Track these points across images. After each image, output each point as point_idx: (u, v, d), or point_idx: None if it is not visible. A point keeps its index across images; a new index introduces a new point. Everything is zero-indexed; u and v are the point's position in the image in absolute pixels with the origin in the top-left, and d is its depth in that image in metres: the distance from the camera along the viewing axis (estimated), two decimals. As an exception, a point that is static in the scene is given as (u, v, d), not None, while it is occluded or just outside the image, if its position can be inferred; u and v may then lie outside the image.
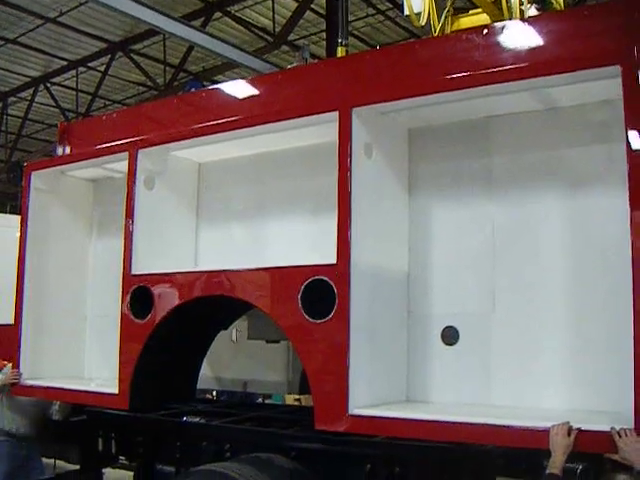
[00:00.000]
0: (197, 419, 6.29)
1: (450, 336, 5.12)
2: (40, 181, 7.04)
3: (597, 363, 4.58)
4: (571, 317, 4.71)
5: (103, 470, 7.58)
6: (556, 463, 3.97)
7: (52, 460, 8.50)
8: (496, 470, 5.14)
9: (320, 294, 4.92)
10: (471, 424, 4.42)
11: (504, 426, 4.30)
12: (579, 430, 4.04)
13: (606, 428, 3.97)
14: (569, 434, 4.02)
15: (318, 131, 5.42)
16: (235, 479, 5.08)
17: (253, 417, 6.47)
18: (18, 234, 7.11)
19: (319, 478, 5.33)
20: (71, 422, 7.41)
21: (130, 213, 6.10)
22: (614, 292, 4.47)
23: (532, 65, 4.52)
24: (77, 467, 7.59)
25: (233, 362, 7.41)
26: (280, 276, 5.29)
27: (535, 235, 4.91)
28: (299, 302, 5.04)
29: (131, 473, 7.00)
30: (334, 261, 4.91)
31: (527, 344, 4.86)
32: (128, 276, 6.04)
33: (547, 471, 4.00)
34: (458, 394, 5.06)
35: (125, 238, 6.11)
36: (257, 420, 6.37)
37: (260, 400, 9.73)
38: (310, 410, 5.09)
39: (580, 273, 4.71)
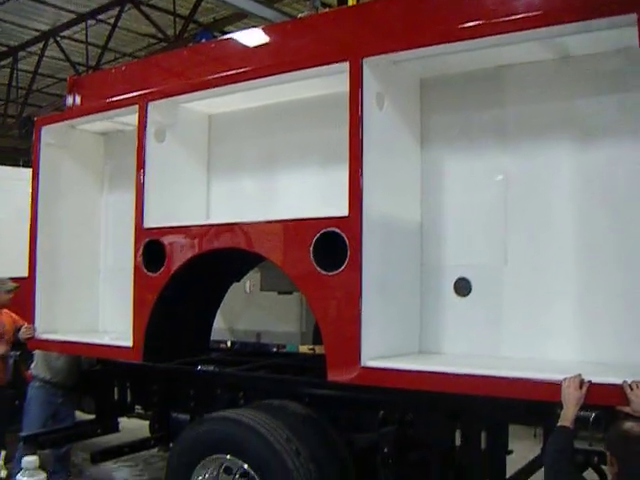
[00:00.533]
0: (211, 367, 6.36)
1: (463, 288, 5.11)
2: (50, 136, 7.01)
3: (609, 315, 4.57)
4: (583, 269, 4.68)
5: (119, 419, 7.69)
6: (568, 416, 3.98)
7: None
8: (509, 418, 5.19)
9: (332, 246, 4.90)
10: (484, 376, 4.41)
11: (516, 378, 4.30)
12: (591, 383, 4.04)
13: (618, 381, 3.96)
14: (581, 387, 4.02)
15: (329, 82, 5.35)
16: (249, 425, 5.15)
17: (267, 365, 6.56)
18: (28, 187, 7.12)
19: (332, 424, 5.39)
20: (86, 372, 7.50)
21: (141, 166, 6.08)
22: (626, 244, 4.47)
23: (545, 14, 4.42)
24: (93, 417, 7.71)
25: (246, 314, 7.45)
26: (292, 228, 5.28)
27: (547, 187, 4.86)
28: (311, 254, 5.03)
29: (146, 422, 7.12)
30: (346, 213, 4.88)
31: (539, 296, 4.85)
32: (140, 229, 6.04)
33: (559, 424, 4.00)
34: (470, 346, 5.07)
35: (136, 191, 6.10)
36: (270, 368, 6.46)
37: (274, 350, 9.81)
38: (323, 357, 5.12)
39: (592, 225, 4.67)
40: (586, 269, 4.68)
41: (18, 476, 3.24)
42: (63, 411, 7.58)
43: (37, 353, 7.47)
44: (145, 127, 6.08)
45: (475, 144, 5.16)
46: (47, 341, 6.89)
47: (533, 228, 4.90)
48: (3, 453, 3.58)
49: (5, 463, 3.46)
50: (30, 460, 3.28)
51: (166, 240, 5.90)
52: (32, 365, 7.53)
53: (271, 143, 6.23)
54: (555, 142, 4.84)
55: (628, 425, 3.63)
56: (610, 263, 4.59)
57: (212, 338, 6.90)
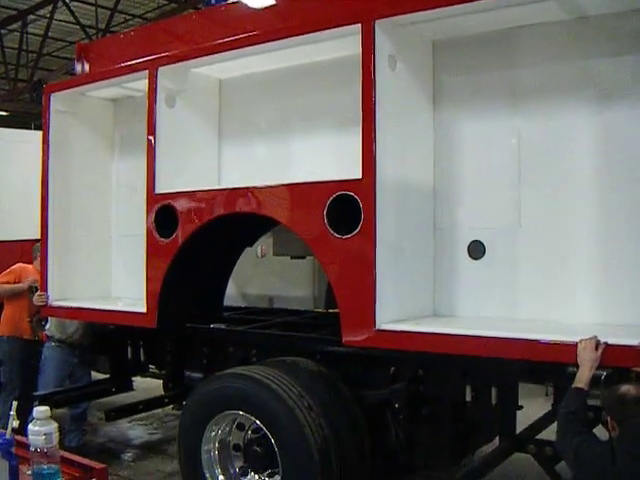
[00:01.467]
0: (223, 325, 6.40)
1: (476, 250, 5.09)
2: (60, 103, 6.99)
3: (625, 276, 4.55)
4: (599, 231, 4.65)
5: (133, 379, 7.77)
6: (582, 378, 3.97)
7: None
8: (519, 376, 5.19)
9: (346, 210, 4.88)
10: (498, 338, 4.41)
11: (531, 340, 4.29)
12: (606, 345, 4.03)
13: (634, 342, 3.95)
14: (597, 349, 4.01)
15: (341, 44, 5.30)
16: (261, 381, 5.19)
17: (279, 323, 6.60)
18: (34, 149, 7.10)
19: (344, 381, 5.42)
20: (100, 332, 7.56)
21: (151, 132, 6.06)
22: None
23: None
24: (107, 376, 7.79)
25: (259, 279, 7.47)
26: (305, 192, 5.26)
27: (562, 148, 4.81)
28: (325, 218, 5.01)
29: (160, 382, 7.20)
30: (359, 176, 4.86)
31: (554, 258, 4.82)
32: (152, 195, 6.04)
33: (573, 385, 4.01)
34: (485, 308, 5.06)
35: (147, 157, 6.08)
36: (283, 325, 6.49)
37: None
38: (335, 315, 5.13)
39: (607, 187, 4.62)
40: (603, 230, 4.64)
41: (30, 426, 3.25)
42: (79, 371, 7.63)
43: None
44: (155, 93, 6.04)
45: (488, 105, 5.11)
46: (60, 308, 6.93)
47: (548, 190, 4.87)
48: (15, 404, 3.59)
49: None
50: (42, 410, 3.28)
51: (178, 205, 5.88)
52: (47, 326, 7.55)
53: (283, 107, 6.18)
54: (570, 103, 4.79)
55: (624, 388, 3.62)
56: (628, 224, 4.55)
57: (225, 303, 6.91)
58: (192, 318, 6.30)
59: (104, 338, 7.56)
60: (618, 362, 4.10)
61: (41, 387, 7.36)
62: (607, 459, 3.50)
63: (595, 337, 4.04)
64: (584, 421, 3.86)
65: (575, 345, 4.06)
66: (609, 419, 3.66)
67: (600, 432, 4.01)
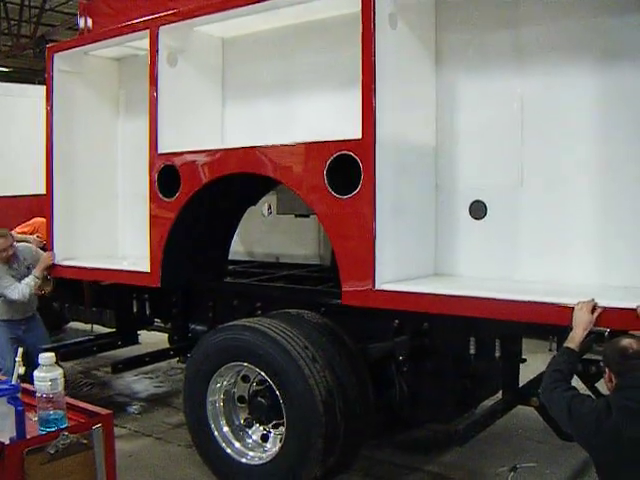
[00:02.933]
0: (228, 278, 6.44)
1: (478, 210, 5.11)
2: (63, 62, 6.98)
3: (627, 239, 4.57)
4: (603, 191, 4.66)
5: (138, 332, 7.87)
6: (575, 339, 4.00)
7: (89, 325, 8.84)
8: (522, 331, 5.22)
9: (347, 170, 4.89)
10: (496, 300, 4.45)
11: (528, 302, 4.32)
12: (604, 308, 4.05)
13: (632, 305, 3.98)
14: (593, 312, 4.04)
15: (344, 2, 5.27)
16: (266, 333, 5.26)
17: (284, 276, 6.66)
18: (32, 103, 7.05)
19: (348, 333, 5.48)
20: (105, 286, 7.61)
21: (154, 92, 6.05)
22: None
23: None
24: (113, 330, 7.88)
25: (264, 237, 7.49)
26: (306, 152, 5.26)
27: (565, 107, 4.79)
28: (325, 178, 5.03)
29: (166, 335, 7.30)
30: (359, 136, 4.86)
31: (555, 219, 4.84)
32: (155, 155, 6.05)
33: (564, 344, 4.04)
34: (486, 268, 5.09)
35: (150, 117, 6.08)
36: (287, 279, 6.55)
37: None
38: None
39: (612, 146, 4.61)
40: (606, 190, 4.65)
41: (35, 372, 3.31)
42: (28, 337, 7.27)
43: None
44: (157, 52, 6.03)
45: (491, 64, 5.08)
46: (66, 267, 6.99)
47: (550, 149, 4.86)
48: (21, 350, 3.66)
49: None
50: (47, 356, 3.34)
51: (181, 165, 5.90)
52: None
53: (286, 66, 6.15)
54: (573, 63, 4.75)
55: (626, 341, 3.64)
56: (631, 184, 4.55)
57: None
58: (196, 277, 6.35)
59: (110, 292, 7.62)
60: (613, 325, 4.14)
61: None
62: (602, 412, 3.52)
63: (593, 300, 4.07)
64: (570, 382, 3.89)
65: (571, 307, 4.09)
66: (607, 371, 3.67)
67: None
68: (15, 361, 3.67)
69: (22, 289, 6.90)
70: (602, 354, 3.78)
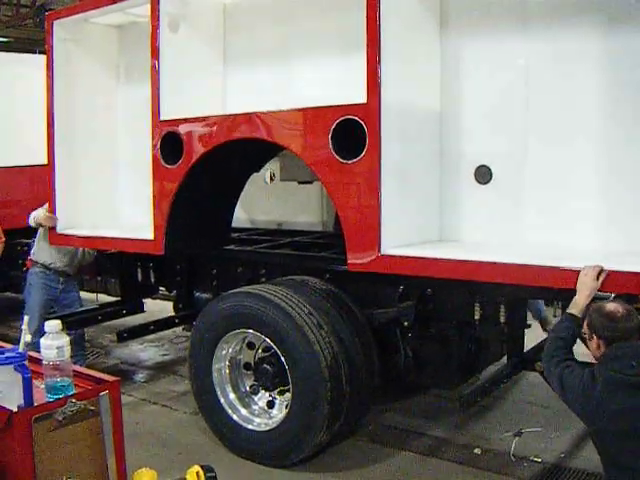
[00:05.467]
0: (232, 246, 6.44)
1: (483, 175, 5.08)
2: (63, 30, 6.91)
3: (633, 204, 4.54)
4: (606, 157, 4.62)
5: (143, 301, 7.87)
6: (578, 304, 3.97)
7: (94, 294, 8.84)
8: (527, 296, 5.22)
9: (352, 135, 4.85)
10: (500, 264, 4.45)
11: (532, 266, 4.32)
12: (609, 273, 4.03)
13: (637, 269, 3.96)
14: (598, 277, 4.02)
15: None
16: (270, 299, 5.28)
17: (287, 243, 6.67)
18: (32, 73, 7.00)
19: (352, 299, 5.49)
20: (109, 255, 7.62)
21: (155, 58, 5.98)
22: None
23: None
24: (118, 299, 7.88)
25: (267, 204, 7.48)
26: (310, 117, 5.23)
27: (571, 72, 4.74)
28: (330, 143, 5.00)
29: (170, 304, 7.30)
30: (364, 100, 4.82)
31: (561, 184, 4.82)
32: (157, 122, 6.00)
33: (568, 310, 4.02)
34: (491, 234, 5.08)
35: (152, 84, 6.02)
36: (291, 245, 6.55)
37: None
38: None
39: (618, 110, 4.57)
40: (612, 155, 4.61)
41: (42, 339, 3.31)
42: (66, 297, 7.49)
43: (38, 238, 7.43)
44: (158, 18, 5.94)
45: (497, 28, 5.03)
46: (68, 236, 6.97)
47: (555, 115, 4.82)
48: (26, 318, 3.65)
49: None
50: (53, 323, 3.33)
51: (183, 132, 5.86)
52: (32, 251, 7.52)
53: (288, 31, 6.08)
54: (579, 27, 4.69)
55: (612, 306, 3.60)
56: (635, 151, 4.52)
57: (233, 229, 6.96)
58: (199, 244, 6.35)
59: (114, 260, 7.62)
60: (619, 290, 4.14)
61: (27, 312, 7.06)
62: (588, 383, 3.49)
63: (598, 265, 4.04)
64: (571, 348, 3.87)
65: (576, 272, 4.07)
66: (595, 338, 3.61)
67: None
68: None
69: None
70: (588, 322, 3.69)
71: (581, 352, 3.99)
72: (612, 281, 4.04)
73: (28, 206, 7.75)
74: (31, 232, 7.75)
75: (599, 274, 4.02)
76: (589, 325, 3.67)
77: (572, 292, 4.09)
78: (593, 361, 3.73)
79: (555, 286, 4.34)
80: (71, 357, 3.43)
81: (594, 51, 4.64)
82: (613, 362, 3.49)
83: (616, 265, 4.09)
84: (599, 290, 4.04)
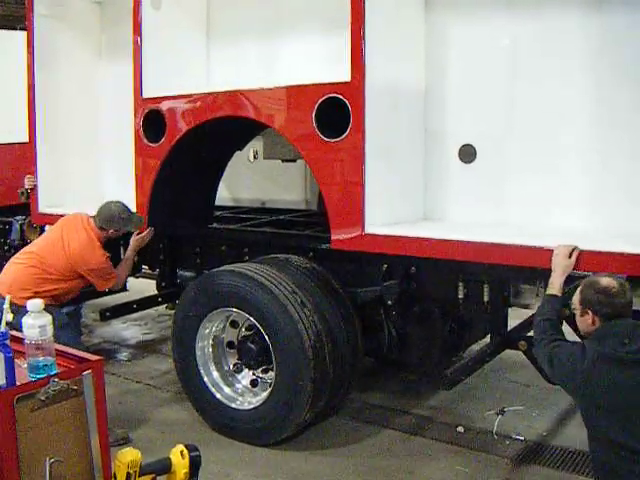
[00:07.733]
0: (215, 224, 6.41)
1: (467, 154, 5.07)
2: (43, 6, 6.82)
3: (618, 184, 4.54)
4: (592, 137, 4.61)
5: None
6: (554, 284, 3.99)
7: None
8: (509, 275, 5.23)
9: (335, 112, 4.83)
10: (481, 243, 4.48)
11: (511, 245, 4.35)
12: (581, 251, 4.05)
13: (612, 249, 4.00)
14: (570, 255, 4.03)
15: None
16: (254, 278, 5.27)
17: (271, 221, 6.65)
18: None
19: (336, 278, 5.49)
20: None
21: (137, 35, 5.92)
22: (637, 110, 4.38)
23: None
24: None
25: (251, 182, 7.45)
26: (294, 95, 5.19)
27: (557, 51, 4.72)
28: (313, 121, 4.97)
29: (154, 282, 7.27)
30: (348, 78, 4.79)
31: (546, 163, 4.80)
32: (139, 99, 5.95)
33: (546, 292, 4.03)
34: (475, 213, 5.07)
35: (134, 61, 5.95)
36: (275, 224, 6.54)
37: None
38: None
39: (602, 91, 4.55)
40: (598, 135, 4.60)
41: (24, 318, 3.27)
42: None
43: None
44: (140, -6, 5.88)
45: (483, 6, 4.98)
46: (51, 215, 6.89)
47: (541, 95, 4.79)
48: (9, 297, 3.62)
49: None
50: (36, 303, 3.29)
51: (166, 109, 5.81)
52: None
53: (273, 7, 6.01)
54: (567, 5, 4.64)
55: (605, 280, 3.56)
56: (624, 130, 4.51)
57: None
58: (182, 222, 6.32)
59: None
60: (593, 269, 4.14)
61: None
62: (578, 358, 3.48)
63: (572, 244, 4.05)
64: (559, 327, 3.87)
65: (550, 251, 4.09)
66: (591, 314, 3.57)
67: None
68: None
69: None
70: (581, 298, 3.63)
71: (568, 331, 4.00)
72: (586, 260, 4.06)
73: (11, 185, 7.68)
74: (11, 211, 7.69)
75: (571, 252, 4.02)
76: (583, 301, 3.62)
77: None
78: (578, 340, 3.74)
79: (532, 265, 4.35)
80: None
81: (580, 29, 4.61)
82: (606, 339, 3.49)
83: (590, 244, 4.10)
84: (575, 269, 4.05)
